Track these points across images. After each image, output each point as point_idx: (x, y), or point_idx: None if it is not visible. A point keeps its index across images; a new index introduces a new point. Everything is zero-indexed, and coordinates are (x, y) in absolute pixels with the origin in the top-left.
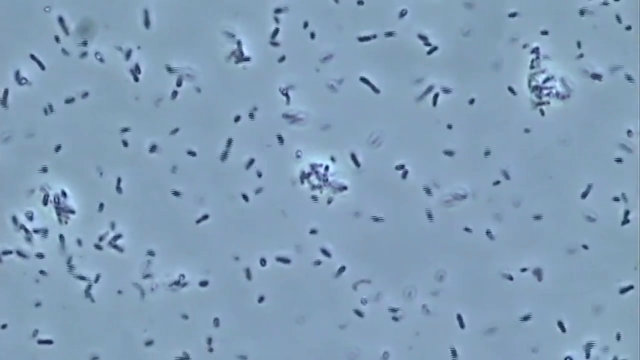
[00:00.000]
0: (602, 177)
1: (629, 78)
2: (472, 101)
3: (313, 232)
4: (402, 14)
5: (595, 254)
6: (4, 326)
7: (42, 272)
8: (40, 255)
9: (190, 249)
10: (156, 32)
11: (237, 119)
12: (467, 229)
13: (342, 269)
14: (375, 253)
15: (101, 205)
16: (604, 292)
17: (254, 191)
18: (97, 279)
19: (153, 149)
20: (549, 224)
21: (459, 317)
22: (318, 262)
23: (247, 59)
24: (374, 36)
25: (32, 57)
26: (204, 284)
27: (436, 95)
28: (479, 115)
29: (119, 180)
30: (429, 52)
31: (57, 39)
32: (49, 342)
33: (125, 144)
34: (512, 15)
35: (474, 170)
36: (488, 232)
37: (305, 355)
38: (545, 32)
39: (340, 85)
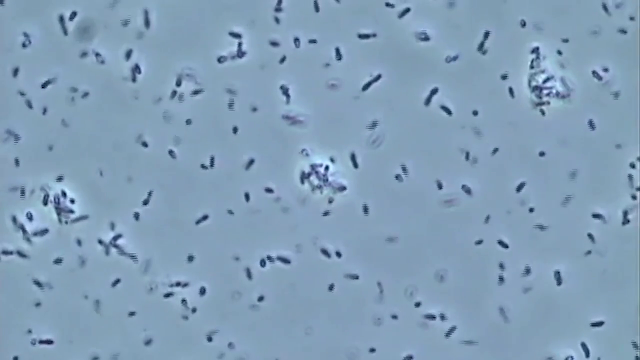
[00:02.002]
0: (602, 177)
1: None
2: (472, 105)
3: (313, 232)
4: (403, 13)
5: (596, 253)
6: (4, 327)
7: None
8: (40, 260)
9: (190, 249)
10: (156, 32)
11: (235, 130)
12: (466, 229)
13: (342, 269)
14: (375, 253)
15: (103, 204)
16: (609, 293)
17: (254, 191)
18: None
19: (152, 148)
20: (550, 224)
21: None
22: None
23: (244, 54)
24: (374, 35)
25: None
26: (203, 284)
27: (435, 95)
28: (478, 115)
29: (119, 181)
30: (452, 60)
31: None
32: (49, 342)
33: (124, 144)
34: (513, 15)
35: (474, 170)
36: (501, 242)
37: (305, 355)
38: (543, 33)
39: (340, 85)
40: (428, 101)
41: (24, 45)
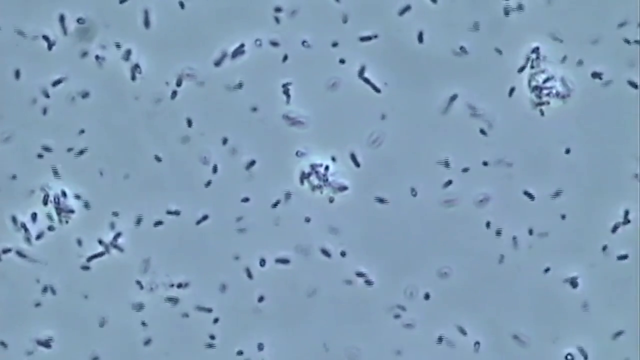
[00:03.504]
0: (601, 176)
1: (632, 84)
2: (471, 104)
3: (313, 232)
4: (403, 13)
5: (596, 253)
6: (4, 326)
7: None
8: (40, 256)
9: (190, 249)
10: (156, 32)
11: (225, 141)
12: (468, 229)
13: (342, 268)
14: (375, 252)
15: (103, 203)
16: (612, 291)
17: (254, 192)
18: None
19: (153, 148)
20: (549, 224)
21: (460, 327)
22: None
23: (240, 52)
24: (375, 36)
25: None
26: (203, 283)
27: (452, 99)
28: (478, 115)
29: (119, 181)
30: (458, 60)
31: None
32: (49, 342)
33: (125, 144)
34: (512, 13)
35: (474, 169)
36: (513, 240)
37: (305, 355)
38: (544, 33)
39: (340, 85)
40: (424, 100)
41: (46, 43)
